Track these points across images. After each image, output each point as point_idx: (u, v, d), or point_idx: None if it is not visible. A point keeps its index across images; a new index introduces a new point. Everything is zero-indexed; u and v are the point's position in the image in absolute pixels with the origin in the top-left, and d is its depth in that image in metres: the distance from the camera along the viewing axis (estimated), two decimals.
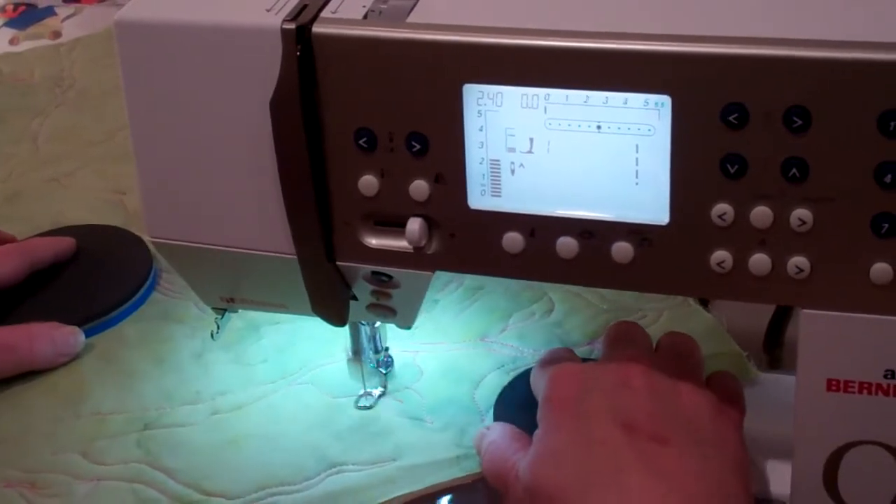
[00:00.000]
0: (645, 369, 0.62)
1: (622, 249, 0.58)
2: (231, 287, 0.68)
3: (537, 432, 0.62)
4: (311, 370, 0.78)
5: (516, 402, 0.70)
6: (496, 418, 0.71)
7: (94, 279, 0.86)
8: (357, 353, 0.74)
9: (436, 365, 0.77)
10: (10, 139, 1.09)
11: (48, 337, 0.80)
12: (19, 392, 0.79)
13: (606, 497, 0.57)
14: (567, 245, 0.58)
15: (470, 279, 0.84)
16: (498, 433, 0.66)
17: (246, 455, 0.72)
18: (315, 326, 0.68)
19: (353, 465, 0.70)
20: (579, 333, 0.79)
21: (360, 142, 0.58)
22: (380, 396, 0.75)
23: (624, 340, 0.65)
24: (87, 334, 0.82)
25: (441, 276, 0.77)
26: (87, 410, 0.77)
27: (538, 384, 0.65)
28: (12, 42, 1.28)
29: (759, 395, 0.70)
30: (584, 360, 0.68)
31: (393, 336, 0.76)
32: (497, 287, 0.83)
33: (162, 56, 0.60)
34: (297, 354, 0.79)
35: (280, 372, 0.78)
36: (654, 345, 0.66)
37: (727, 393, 0.63)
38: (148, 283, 0.86)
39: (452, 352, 0.78)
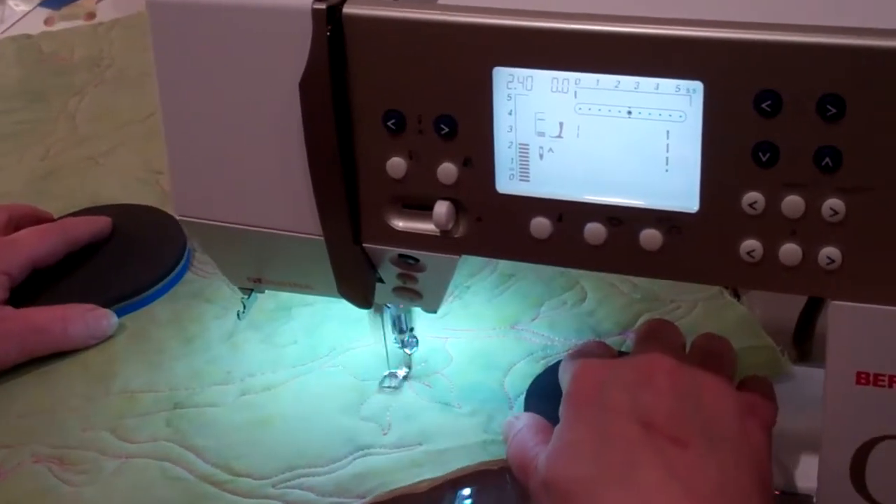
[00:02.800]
0: (670, 368, 0.61)
1: (650, 237, 0.57)
2: (258, 267, 0.68)
3: (558, 426, 0.61)
4: (341, 353, 0.78)
5: (546, 393, 0.69)
6: (527, 408, 0.70)
7: (128, 259, 0.85)
8: (380, 327, 0.73)
9: (465, 351, 0.77)
10: (48, 117, 1.10)
11: (82, 320, 0.80)
12: (51, 369, 0.79)
13: (620, 494, 0.56)
14: (595, 231, 0.58)
15: (503, 265, 0.83)
16: (524, 423, 0.66)
17: (274, 436, 0.72)
18: (345, 308, 0.68)
19: (380, 447, 0.70)
20: (611, 323, 0.78)
21: (389, 123, 0.58)
22: (405, 377, 0.75)
23: (654, 338, 0.64)
24: (120, 314, 0.82)
25: (474, 262, 0.78)
26: (117, 388, 0.77)
27: (564, 377, 0.65)
28: (47, 22, 1.29)
29: (792, 389, 0.69)
30: (619, 354, 0.67)
31: (423, 321, 0.76)
32: (529, 274, 0.82)
33: (193, 36, 0.59)
34: (327, 336, 0.79)
35: (310, 354, 0.78)
36: (689, 345, 0.65)
37: (758, 396, 0.62)
38: (182, 263, 0.86)
39: (482, 338, 0.78)
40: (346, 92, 0.58)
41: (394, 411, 0.73)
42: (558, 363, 0.69)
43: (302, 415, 0.73)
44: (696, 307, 0.78)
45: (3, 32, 1.29)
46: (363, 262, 0.63)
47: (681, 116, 0.55)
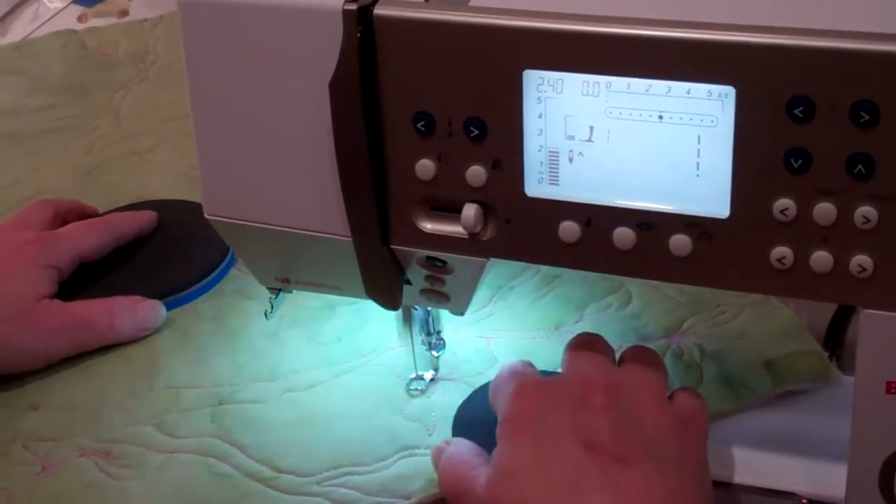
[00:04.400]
0: (606, 386, 0.61)
1: (680, 242, 0.57)
2: (286, 267, 0.68)
3: (496, 450, 0.61)
4: (385, 351, 0.77)
5: (475, 419, 0.69)
6: (455, 434, 0.70)
7: (173, 255, 0.85)
8: (408, 330, 0.73)
9: (509, 353, 0.76)
10: (93, 112, 1.10)
11: (129, 311, 0.80)
12: (95, 363, 0.79)
13: None
14: (624, 236, 0.58)
15: (547, 267, 0.82)
16: (455, 449, 0.65)
17: (318, 434, 0.72)
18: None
19: (425, 448, 0.70)
20: (656, 326, 0.77)
21: (419, 125, 0.58)
22: (431, 380, 0.74)
23: (585, 352, 0.64)
24: (168, 307, 0.82)
25: (517, 263, 0.76)
26: (161, 384, 0.77)
27: (497, 400, 0.64)
28: (81, 20, 1.29)
29: (825, 397, 0.69)
30: (545, 373, 0.66)
31: (468, 322, 0.76)
32: (573, 276, 0.81)
33: (224, 35, 0.59)
34: (370, 335, 0.78)
35: (353, 352, 0.78)
36: (618, 358, 0.65)
37: (690, 409, 0.62)
38: (226, 260, 0.86)
39: (526, 340, 0.77)
40: (376, 93, 0.58)
41: (438, 411, 0.72)
42: (483, 387, 0.69)
43: (346, 413, 0.73)
44: (743, 311, 0.77)
45: (36, 29, 1.29)
46: (391, 263, 0.63)
47: (712, 121, 0.54)
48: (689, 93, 0.54)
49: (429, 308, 0.72)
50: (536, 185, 0.58)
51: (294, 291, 0.71)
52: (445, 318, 0.74)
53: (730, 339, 0.65)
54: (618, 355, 0.65)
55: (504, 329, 0.78)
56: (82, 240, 0.83)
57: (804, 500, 0.65)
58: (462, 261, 0.62)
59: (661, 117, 0.55)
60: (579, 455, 0.58)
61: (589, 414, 0.59)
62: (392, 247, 0.62)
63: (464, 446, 0.65)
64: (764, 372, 0.71)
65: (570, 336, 0.72)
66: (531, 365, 0.66)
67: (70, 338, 0.78)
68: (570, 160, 0.57)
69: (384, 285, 0.64)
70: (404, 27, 0.56)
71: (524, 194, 0.58)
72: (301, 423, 0.73)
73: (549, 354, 0.75)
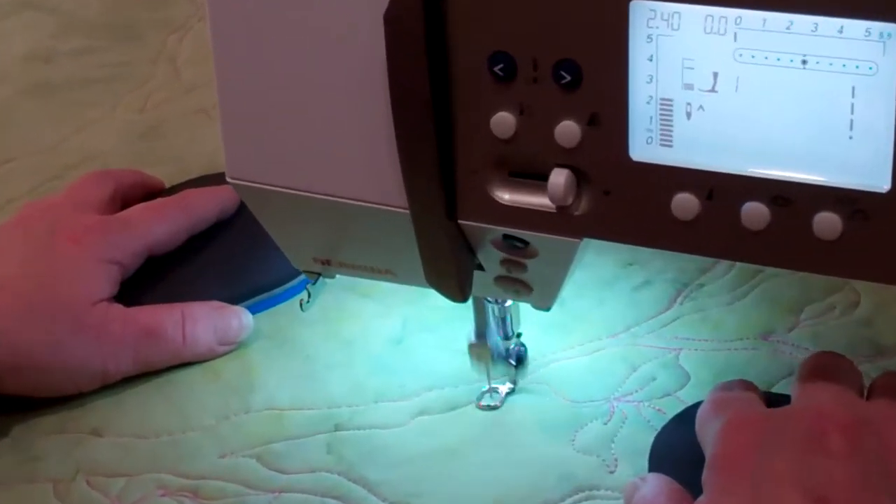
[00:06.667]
0: (848, 423, 0.59)
1: (827, 222, 0.56)
2: (327, 246, 0.68)
3: (701, 498, 0.60)
4: (544, 365, 0.77)
5: (678, 450, 0.69)
6: (652, 467, 0.69)
7: (262, 241, 0.79)
8: (482, 336, 0.73)
9: (704, 367, 0.76)
10: (143, 59, 1.11)
11: (208, 321, 0.80)
12: (174, 380, 0.80)
13: None
14: (755, 213, 0.57)
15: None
16: (652, 488, 0.64)
17: (465, 468, 0.72)
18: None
19: (606, 489, 0.70)
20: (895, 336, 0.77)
21: (496, 69, 0.58)
22: (508, 394, 0.75)
23: (823, 380, 0.63)
24: (255, 310, 0.83)
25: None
26: (259, 404, 0.77)
27: (706, 432, 0.63)
28: None
29: None
30: (772, 397, 0.66)
31: (646, 329, 0.77)
32: (784, 271, 0.78)
33: None
34: (527, 341, 0.77)
35: (503, 364, 0.76)
36: (867, 388, 0.64)
37: None
38: None
39: (725, 351, 0.77)
40: (443, 28, 0.58)
41: (620, 442, 0.72)
42: (690, 410, 0.68)
43: (499, 442, 0.73)
44: None
45: None
46: (458, 243, 0.63)
47: (871, 69, 0.53)
48: (841, 31, 0.53)
49: (507, 302, 0.72)
50: (644, 147, 0.58)
51: (348, 278, 0.71)
52: (528, 314, 0.74)
53: None
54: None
55: (695, 338, 0.78)
56: (152, 227, 0.83)
57: None
58: (548, 241, 0.61)
59: (804, 62, 0.54)
60: None
61: (822, 460, 0.58)
62: (460, 222, 0.62)
63: (663, 485, 0.64)
64: None
65: (786, 347, 0.76)
66: (752, 387, 0.66)
67: (133, 352, 0.79)
68: (688, 115, 0.57)
69: (449, 271, 0.64)
70: None
71: (628, 158, 0.58)
72: (443, 455, 0.72)
73: (757, 370, 0.75)
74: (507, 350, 0.74)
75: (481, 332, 0.73)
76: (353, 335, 0.81)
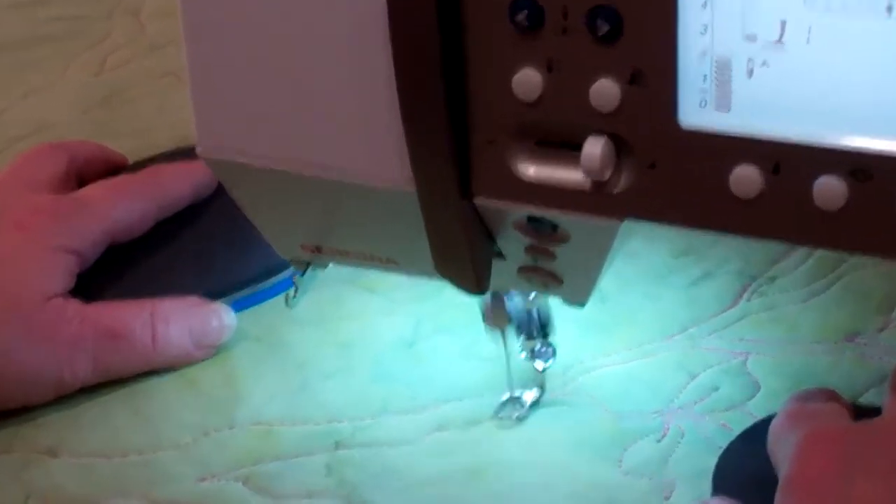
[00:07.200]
0: None
1: None
2: (316, 231, 0.68)
3: None
4: (583, 372, 0.76)
5: (746, 472, 0.68)
6: (716, 489, 0.69)
7: (245, 226, 0.79)
8: (498, 297, 0.71)
9: (777, 375, 0.75)
10: (99, 13, 1.10)
11: (182, 321, 0.79)
12: (143, 390, 0.78)
13: None
14: (829, 189, 0.54)
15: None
16: None
17: (492, 494, 0.71)
18: (588, 306, 0.68)
19: None
20: None
21: (519, 18, 0.56)
22: (533, 404, 0.74)
23: None
24: (238, 308, 0.81)
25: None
26: (244, 418, 0.76)
27: (779, 450, 0.62)
28: None
29: None
30: (858, 409, 0.65)
31: (708, 330, 0.77)
32: (869, 260, 0.80)
33: None
34: (562, 343, 0.76)
35: (532, 371, 0.75)
36: None
37: None
38: None
39: (803, 355, 0.76)
40: None
41: (676, 463, 0.71)
42: (761, 425, 0.68)
43: (532, 464, 0.72)
44: None
45: None
46: (474, 227, 0.62)
47: None
48: None
49: (531, 296, 0.71)
50: (697, 111, 0.55)
51: (348, 269, 0.71)
52: (559, 311, 0.73)
53: None
54: None
55: (766, 340, 0.77)
56: (115, 209, 0.81)
57: None
58: (582, 223, 0.60)
59: (890, 10, 0.52)
60: None
61: None
62: (476, 202, 0.60)
63: None
64: None
65: (874, 350, 0.76)
66: (835, 397, 0.65)
67: (94, 357, 0.77)
68: (750, 73, 0.54)
69: (463, 259, 0.63)
70: None
71: (677, 124, 0.56)
72: (464, 477, 0.71)
73: (841, 377, 0.74)
74: (533, 351, 0.73)
75: (499, 293, 0.72)
76: (355, 337, 0.80)
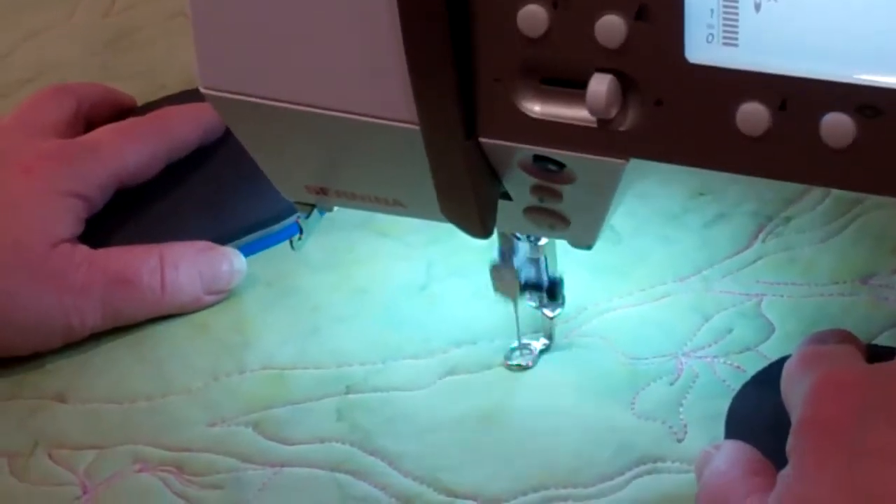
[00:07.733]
0: None
1: None
2: (321, 171, 0.67)
3: (786, 470, 0.59)
4: (597, 315, 0.76)
5: (759, 415, 0.68)
6: (729, 433, 0.68)
7: (255, 169, 0.78)
8: (506, 257, 0.71)
9: (792, 317, 0.75)
10: None
11: (192, 265, 0.78)
12: (152, 335, 0.78)
13: None
14: (838, 126, 0.54)
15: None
16: (727, 458, 0.64)
17: (505, 439, 0.70)
18: (600, 248, 0.67)
19: (673, 461, 0.68)
20: None
21: None
22: (542, 352, 0.73)
23: None
24: (248, 252, 0.81)
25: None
26: (254, 363, 0.76)
27: (793, 392, 0.62)
28: None
29: None
30: (874, 350, 0.64)
31: (720, 272, 0.77)
32: (885, 200, 0.76)
33: None
34: (571, 289, 0.75)
35: (541, 318, 0.75)
36: None
37: None
38: None
39: (818, 297, 0.76)
40: None
41: (690, 406, 0.71)
42: (775, 367, 0.68)
43: (545, 408, 0.71)
44: None
45: None
46: (479, 166, 0.61)
47: None
48: None
49: (540, 240, 0.71)
50: (704, 46, 0.55)
51: (361, 212, 0.71)
52: (566, 252, 0.72)
53: None
54: None
55: (781, 282, 0.77)
56: (123, 152, 0.80)
57: None
58: (588, 162, 0.59)
59: None
60: None
61: None
62: (481, 141, 0.60)
63: (741, 455, 0.63)
64: None
65: (887, 292, 0.75)
66: (850, 339, 0.64)
67: (102, 303, 0.76)
68: (757, 7, 0.54)
69: (468, 200, 0.62)
70: None
71: (684, 60, 0.55)
72: (476, 421, 0.71)
73: (856, 320, 0.73)
74: (540, 299, 0.73)
75: (507, 252, 0.72)
76: (368, 281, 0.80)
